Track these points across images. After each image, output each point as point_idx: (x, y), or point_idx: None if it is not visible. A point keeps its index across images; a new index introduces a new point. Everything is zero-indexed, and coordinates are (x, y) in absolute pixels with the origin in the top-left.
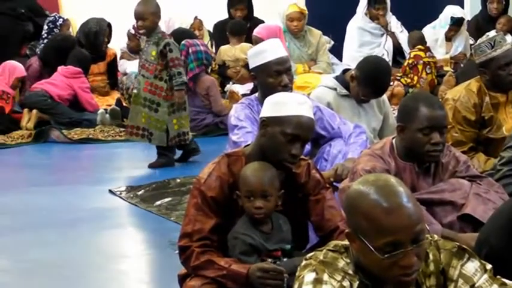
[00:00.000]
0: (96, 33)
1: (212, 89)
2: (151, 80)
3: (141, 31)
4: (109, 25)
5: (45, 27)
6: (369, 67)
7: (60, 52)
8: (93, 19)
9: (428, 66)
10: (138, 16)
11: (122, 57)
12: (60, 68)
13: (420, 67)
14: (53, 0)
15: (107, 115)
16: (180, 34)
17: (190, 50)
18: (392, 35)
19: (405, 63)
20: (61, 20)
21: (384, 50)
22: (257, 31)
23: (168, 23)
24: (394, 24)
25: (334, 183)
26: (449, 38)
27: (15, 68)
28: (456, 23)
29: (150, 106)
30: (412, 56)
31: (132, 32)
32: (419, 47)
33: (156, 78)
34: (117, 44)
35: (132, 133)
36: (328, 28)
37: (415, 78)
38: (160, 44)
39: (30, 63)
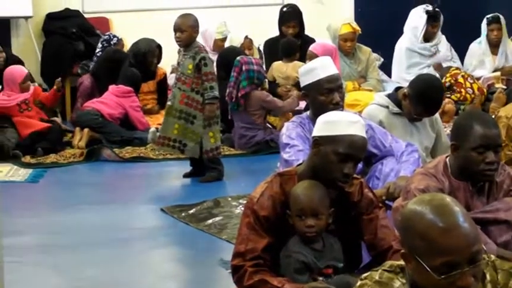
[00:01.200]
0: (145, 54)
1: (265, 101)
2: (188, 93)
3: (178, 43)
4: (158, 46)
5: (99, 45)
6: (422, 85)
7: (112, 65)
8: (143, 40)
9: (469, 78)
10: (176, 28)
11: (172, 72)
12: (111, 87)
13: (461, 80)
14: (103, 20)
15: (158, 133)
16: (230, 52)
17: (244, 68)
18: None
19: (444, 82)
20: (115, 39)
21: (433, 70)
22: (313, 47)
23: (204, 34)
24: (444, 43)
25: (387, 202)
26: (493, 43)
27: (12, 74)
28: (493, 21)
29: (186, 118)
30: (448, 76)
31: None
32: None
33: (192, 91)
34: (169, 60)
35: (164, 144)
36: (377, 45)
37: (463, 91)
38: (197, 57)
39: (82, 81)
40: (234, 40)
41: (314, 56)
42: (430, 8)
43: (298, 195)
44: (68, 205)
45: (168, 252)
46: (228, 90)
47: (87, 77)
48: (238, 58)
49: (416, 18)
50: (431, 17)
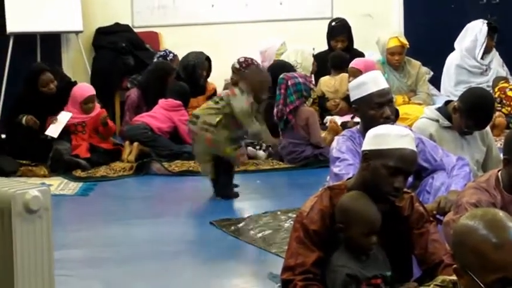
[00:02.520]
0: (194, 67)
1: (311, 120)
2: None
3: None
4: (208, 58)
5: (155, 60)
6: (472, 99)
7: (159, 78)
8: (192, 53)
9: None
10: None
11: (225, 88)
12: (160, 101)
13: (510, 93)
14: (153, 34)
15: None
16: (279, 67)
17: (289, 83)
18: None
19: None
20: (171, 55)
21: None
22: (355, 63)
23: (264, 54)
24: (497, 59)
25: (437, 216)
26: None
27: (75, 93)
28: None
29: None
30: (497, 90)
31: (237, 66)
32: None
33: None
34: (218, 74)
35: None
36: (427, 58)
37: None
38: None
39: (129, 94)
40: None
41: (357, 71)
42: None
43: (367, 214)
44: (117, 219)
45: (217, 266)
46: (276, 109)
47: (134, 91)
48: (282, 76)
49: (476, 32)
50: (491, 30)
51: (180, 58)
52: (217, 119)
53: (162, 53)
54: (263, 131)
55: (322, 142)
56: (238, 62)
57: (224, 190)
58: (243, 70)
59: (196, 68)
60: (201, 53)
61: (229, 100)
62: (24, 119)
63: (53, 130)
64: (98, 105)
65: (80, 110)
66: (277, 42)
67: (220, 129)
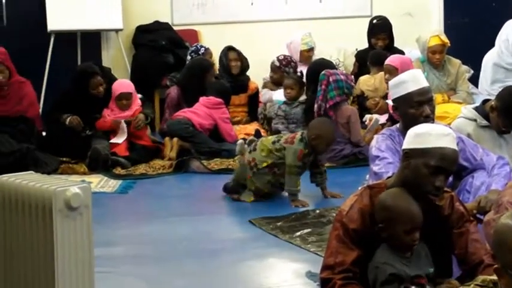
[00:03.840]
0: (221, 61)
1: (353, 119)
2: None
3: None
4: (231, 48)
5: (188, 57)
6: (509, 97)
7: (197, 74)
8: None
9: None
10: None
11: (264, 87)
12: (201, 99)
13: None
14: (192, 32)
15: (246, 145)
16: (319, 65)
17: (330, 79)
18: None
19: None
20: (203, 49)
21: None
22: (391, 60)
23: (289, 46)
24: None
25: (478, 216)
26: None
27: (112, 89)
28: None
29: None
30: None
31: (277, 64)
32: None
33: None
34: (257, 72)
35: None
36: (467, 57)
37: None
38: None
39: (169, 92)
40: (323, 52)
41: (393, 69)
42: None
43: (410, 212)
44: (156, 216)
45: (256, 264)
46: (316, 105)
47: (174, 88)
48: (323, 72)
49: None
50: None
51: (214, 53)
52: (264, 164)
53: (193, 48)
54: (297, 194)
55: (362, 141)
56: (278, 59)
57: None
58: (283, 67)
59: (223, 61)
60: (226, 46)
61: (283, 147)
62: (68, 119)
63: (119, 137)
64: (136, 104)
65: (117, 106)
66: (300, 33)
67: (263, 172)
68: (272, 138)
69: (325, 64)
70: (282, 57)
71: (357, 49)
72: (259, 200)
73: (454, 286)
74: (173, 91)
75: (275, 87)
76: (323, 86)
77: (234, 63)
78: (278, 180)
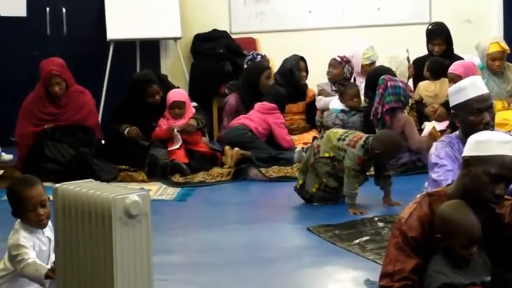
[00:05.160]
0: (291, 70)
1: (407, 127)
2: None
3: None
4: (302, 58)
5: (245, 66)
6: None
7: (251, 78)
8: (287, 58)
9: None
10: None
11: (319, 94)
12: (256, 105)
13: None
14: (250, 40)
15: (304, 153)
16: (380, 71)
17: (389, 84)
18: None
19: None
20: (259, 56)
21: None
22: (453, 68)
23: (351, 58)
24: None
25: None
26: None
27: (167, 97)
28: None
29: None
30: None
31: (338, 59)
32: None
33: None
34: (314, 80)
35: None
36: None
37: None
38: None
39: (227, 100)
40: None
41: (457, 77)
42: None
43: (465, 226)
44: (215, 224)
45: (314, 272)
46: (372, 109)
47: (233, 96)
48: (382, 77)
49: None
50: None
51: (276, 63)
52: (326, 154)
53: (250, 57)
54: (355, 197)
55: (423, 146)
56: (339, 56)
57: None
58: (344, 64)
59: (294, 70)
60: (295, 55)
61: (345, 148)
62: (127, 130)
63: (175, 145)
64: (190, 113)
65: (170, 114)
66: (363, 47)
67: (323, 160)
68: (339, 132)
69: (385, 71)
70: (342, 54)
71: (407, 50)
72: (321, 194)
73: None
74: (231, 99)
75: (330, 93)
76: (380, 90)
77: (304, 73)
78: (337, 173)
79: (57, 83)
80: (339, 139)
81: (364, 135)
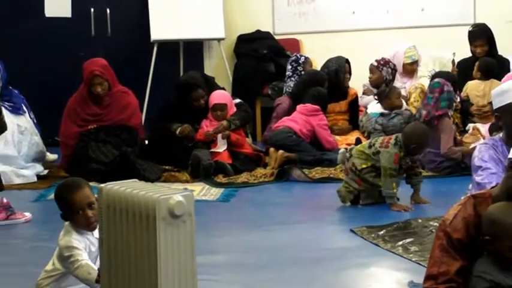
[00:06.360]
0: (337, 72)
1: (447, 132)
2: None
3: None
4: (347, 61)
5: (289, 66)
6: None
7: (310, 86)
8: (331, 59)
9: None
10: None
11: (364, 93)
12: (298, 107)
13: None
14: (294, 41)
15: (347, 154)
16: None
17: (444, 88)
18: None
19: None
20: (303, 58)
21: None
22: (504, 80)
23: (393, 58)
24: None
25: None
26: None
27: (209, 100)
28: None
29: None
30: None
31: (375, 64)
32: None
33: None
34: (359, 80)
35: None
36: None
37: None
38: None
39: (279, 102)
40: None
41: None
42: None
43: None
44: (258, 225)
45: (357, 273)
46: (424, 112)
47: (286, 99)
48: (437, 80)
49: None
50: None
51: (319, 64)
52: (364, 165)
53: (293, 58)
54: (394, 197)
55: (451, 155)
56: (376, 60)
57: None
58: (381, 67)
59: (339, 72)
60: (340, 57)
61: (378, 151)
62: (179, 129)
63: (220, 147)
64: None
65: (213, 116)
66: (404, 46)
67: (366, 171)
68: (366, 143)
69: (444, 75)
70: (380, 58)
71: (454, 53)
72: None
73: None
74: (285, 102)
75: (374, 91)
76: (436, 94)
77: (348, 76)
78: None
79: (99, 83)
80: (369, 147)
81: (392, 136)
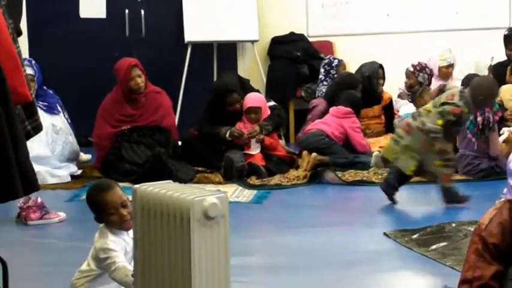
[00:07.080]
0: (370, 77)
1: (495, 134)
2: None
3: None
4: (381, 66)
5: (322, 70)
6: None
7: (345, 89)
8: (365, 64)
9: None
10: None
11: (399, 96)
12: (331, 109)
13: None
14: (327, 43)
15: (381, 158)
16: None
17: None
18: None
19: None
20: (336, 61)
21: None
22: None
23: (429, 61)
24: None
25: None
26: None
27: (243, 103)
28: None
29: None
30: None
31: (411, 69)
32: None
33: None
34: (394, 84)
35: None
36: None
37: None
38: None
39: (315, 105)
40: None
41: None
42: None
43: None
44: (290, 227)
45: (391, 277)
46: (481, 117)
47: (321, 101)
48: None
49: None
50: None
51: (353, 67)
52: (440, 122)
53: (326, 61)
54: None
55: (501, 155)
56: (412, 65)
57: (452, 195)
58: (417, 73)
59: (372, 78)
60: (374, 62)
61: (445, 102)
62: (228, 132)
63: (253, 149)
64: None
65: (247, 120)
66: (439, 49)
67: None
68: (430, 103)
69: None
70: (416, 63)
71: (492, 58)
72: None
73: None
74: (321, 104)
75: (409, 95)
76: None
77: (382, 81)
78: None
79: (138, 75)
80: (434, 106)
81: (455, 92)
